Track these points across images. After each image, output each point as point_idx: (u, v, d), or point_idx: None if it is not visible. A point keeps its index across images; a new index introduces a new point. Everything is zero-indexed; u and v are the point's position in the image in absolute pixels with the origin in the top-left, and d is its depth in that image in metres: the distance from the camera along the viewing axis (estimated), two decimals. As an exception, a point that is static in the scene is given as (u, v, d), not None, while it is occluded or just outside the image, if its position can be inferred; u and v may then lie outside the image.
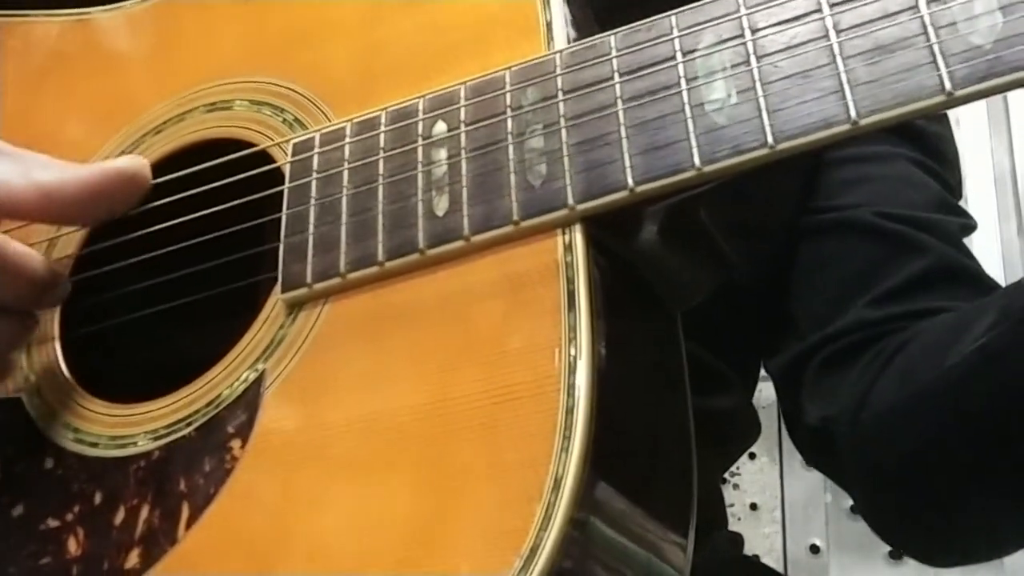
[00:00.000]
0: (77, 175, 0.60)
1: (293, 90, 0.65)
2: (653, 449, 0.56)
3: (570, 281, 0.51)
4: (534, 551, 0.45)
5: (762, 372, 0.90)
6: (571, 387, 0.48)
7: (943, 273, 0.75)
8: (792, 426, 0.82)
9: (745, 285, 0.78)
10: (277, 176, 0.62)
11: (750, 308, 0.82)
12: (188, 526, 0.54)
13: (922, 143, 0.83)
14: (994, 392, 0.60)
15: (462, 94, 0.57)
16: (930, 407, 0.66)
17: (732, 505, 1.62)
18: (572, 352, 0.49)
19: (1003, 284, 1.58)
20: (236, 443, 0.55)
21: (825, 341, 0.76)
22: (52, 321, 0.65)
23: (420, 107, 0.58)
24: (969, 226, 0.82)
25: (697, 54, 0.52)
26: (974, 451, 0.64)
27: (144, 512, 0.56)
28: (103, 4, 0.78)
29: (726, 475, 1.57)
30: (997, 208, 1.61)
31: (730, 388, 0.86)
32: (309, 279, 0.57)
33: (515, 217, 0.53)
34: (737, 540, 0.92)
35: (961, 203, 0.86)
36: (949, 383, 0.64)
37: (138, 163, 0.63)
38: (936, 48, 0.46)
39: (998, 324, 0.60)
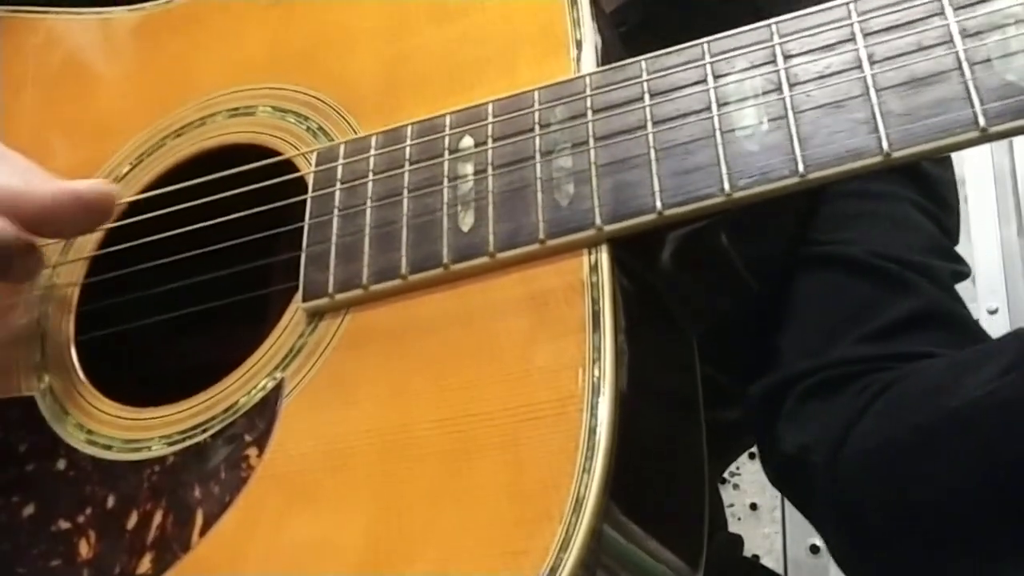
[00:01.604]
0: (36, 190, 0.59)
1: (317, 98, 0.65)
2: (669, 468, 0.56)
3: (595, 301, 0.51)
4: (553, 571, 0.45)
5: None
6: (594, 407, 0.48)
7: (932, 317, 0.75)
8: (766, 455, 0.81)
9: (742, 310, 0.78)
10: (299, 186, 0.62)
11: (744, 330, 0.83)
12: (202, 533, 0.54)
13: (924, 186, 0.83)
14: (1003, 437, 0.60)
15: (490, 110, 0.57)
16: (925, 447, 0.65)
17: (732, 505, 1.61)
18: (596, 373, 0.49)
19: (1003, 284, 1.58)
20: (253, 451, 0.55)
21: (809, 372, 0.75)
22: (68, 320, 0.65)
23: (447, 121, 0.58)
24: (962, 272, 0.82)
25: (729, 79, 0.52)
26: (968, 496, 0.63)
27: (157, 517, 0.55)
28: (125, 4, 0.78)
29: (726, 475, 1.57)
30: (997, 208, 1.61)
31: (733, 401, 0.86)
32: (331, 289, 0.57)
33: (541, 235, 0.53)
34: (737, 542, 0.92)
35: (961, 204, 0.87)
36: (951, 426, 0.63)
37: (99, 190, 0.60)
38: (971, 84, 0.46)
39: (1013, 369, 0.59)
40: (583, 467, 0.47)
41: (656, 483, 0.55)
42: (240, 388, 0.58)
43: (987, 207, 1.61)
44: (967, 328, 0.77)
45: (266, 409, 0.56)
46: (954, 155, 0.88)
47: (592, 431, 0.48)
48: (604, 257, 0.52)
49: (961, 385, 0.63)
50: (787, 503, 1.57)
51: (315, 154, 0.61)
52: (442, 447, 0.51)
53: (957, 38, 0.47)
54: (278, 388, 0.56)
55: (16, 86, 0.79)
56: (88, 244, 0.67)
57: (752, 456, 1.58)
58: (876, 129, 0.48)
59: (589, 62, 0.57)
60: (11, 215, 0.58)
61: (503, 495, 0.48)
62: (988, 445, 0.61)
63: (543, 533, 0.46)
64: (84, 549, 0.56)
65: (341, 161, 0.60)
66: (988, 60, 0.46)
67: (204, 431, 0.57)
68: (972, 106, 0.46)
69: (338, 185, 0.59)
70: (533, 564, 0.46)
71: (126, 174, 0.70)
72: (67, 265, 0.67)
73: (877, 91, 0.48)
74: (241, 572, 0.52)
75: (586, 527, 0.46)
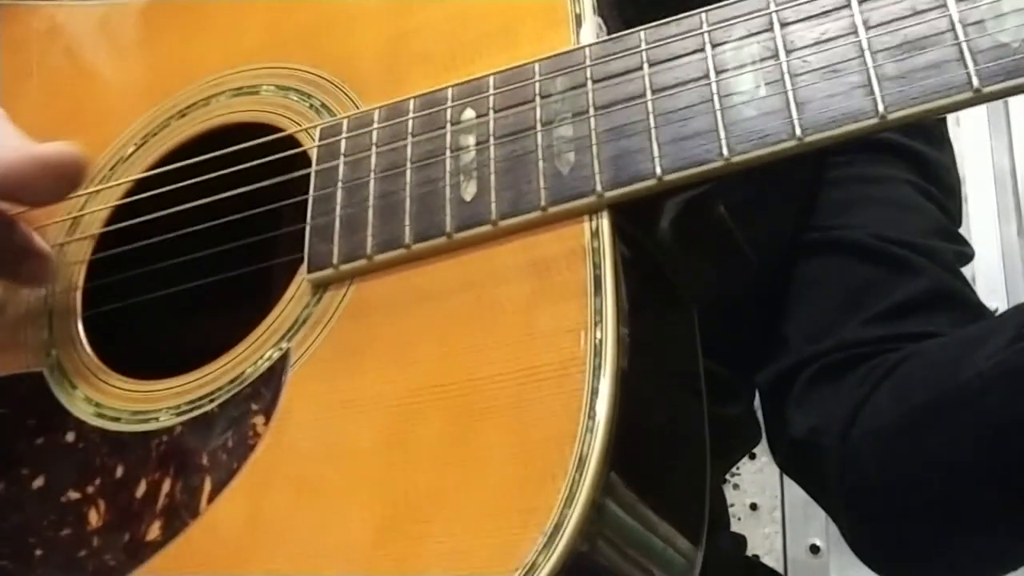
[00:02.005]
0: (5, 156, 0.58)
1: (320, 76, 0.66)
2: (672, 434, 0.56)
3: (596, 266, 0.51)
4: (557, 528, 0.46)
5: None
6: (596, 369, 0.49)
7: (938, 298, 0.76)
8: (775, 441, 0.82)
9: (745, 297, 0.78)
10: (303, 162, 0.62)
11: (750, 319, 0.83)
12: (210, 500, 0.54)
13: (925, 169, 0.84)
14: (1012, 406, 0.61)
15: (491, 82, 0.58)
16: (935, 422, 0.66)
17: (732, 505, 1.61)
18: (598, 335, 0.49)
19: (1003, 285, 1.59)
20: (260, 419, 0.56)
21: (817, 356, 0.76)
22: (75, 297, 0.66)
23: (449, 95, 0.58)
24: (966, 254, 0.83)
25: (727, 47, 0.53)
26: (978, 471, 0.64)
27: (166, 486, 0.56)
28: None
29: (726, 475, 1.57)
30: (997, 208, 1.61)
31: (736, 396, 0.87)
32: (336, 260, 0.57)
33: (543, 203, 0.53)
34: (739, 541, 0.93)
35: (961, 204, 0.87)
36: (960, 399, 0.64)
37: (63, 153, 0.59)
38: (964, 46, 0.47)
39: (1019, 340, 0.60)
40: (586, 427, 0.48)
41: (657, 450, 0.56)
42: (247, 359, 0.58)
43: (987, 207, 1.62)
44: (973, 308, 0.78)
45: (272, 379, 0.57)
46: (954, 155, 0.89)
47: (595, 392, 0.48)
48: (605, 223, 0.52)
49: (968, 360, 0.64)
50: (787, 503, 1.58)
51: (319, 129, 0.62)
52: (448, 412, 0.51)
53: (950, 1, 0.48)
54: (284, 358, 0.57)
55: (19, 73, 0.80)
56: (95, 222, 0.68)
57: (752, 456, 1.59)
58: (872, 92, 0.48)
59: (589, 35, 0.58)
60: None
61: (509, 456, 0.49)
62: (997, 416, 0.62)
63: (548, 490, 0.47)
64: (94, 518, 0.57)
65: (344, 135, 0.60)
66: (981, 22, 0.47)
67: (211, 401, 0.58)
68: (966, 67, 0.47)
69: (342, 158, 0.60)
70: (539, 521, 0.46)
71: (131, 154, 0.71)
72: (74, 243, 0.68)
73: (872, 55, 0.49)
74: (249, 538, 0.53)
75: (590, 484, 0.46)
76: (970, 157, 1.62)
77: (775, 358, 0.80)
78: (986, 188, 1.63)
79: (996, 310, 1.55)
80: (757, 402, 0.94)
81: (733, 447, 0.93)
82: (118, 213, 0.68)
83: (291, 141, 0.64)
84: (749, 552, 1.54)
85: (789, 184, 0.80)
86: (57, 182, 0.59)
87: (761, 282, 0.81)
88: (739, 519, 1.62)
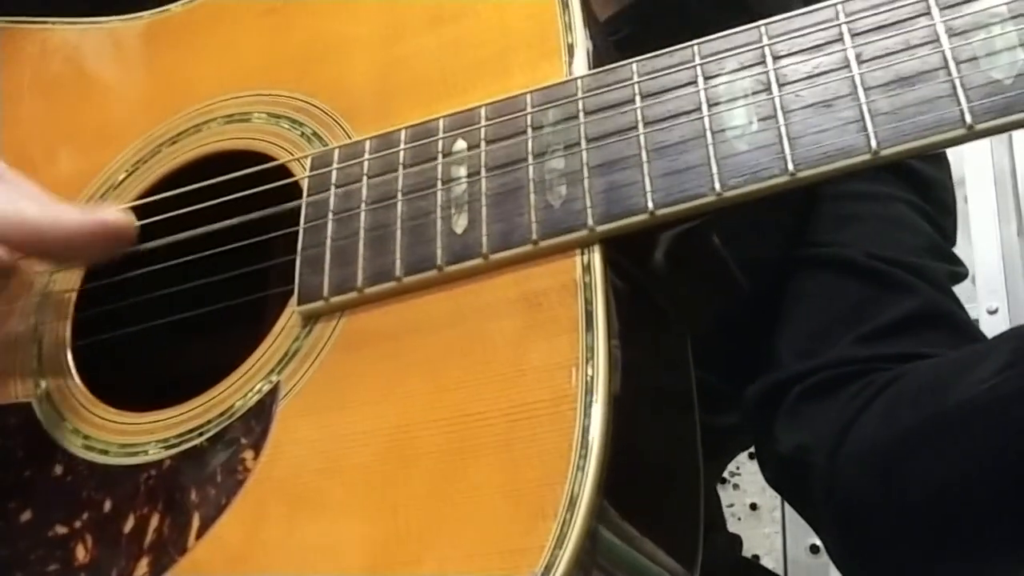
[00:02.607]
0: (59, 218, 0.60)
1: (312, 104, 0.66)
2: (664, 468, 0.56)
3: (588, 301, 0.51)
4: (548, 569, 0.46)
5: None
6: (588, 406, 0.48)
7: (929, 318, 0.76)
8: (764, 456, 0.82)
9: (738, 311, 0.78)
10: (293, 191, 0.62)
11: (742, 332, 0.83)
12: (199, 536, 0.54)
13: (921, 187, 0.83)
14: (1002, 434, 0.60)
15: (483, 113, 0.57)
16: (924, 445, 0.66)
17: (732, 505, 1.61)
18: (589, 372, 0.49)
19: (1003, 284, 1.58)
20: (249, 454, 0.55)
21: (807, 373, 0.76)
22: (64, 327, 0.65)
23: (440, 125, 0.58)
24: (959, 274, 0.83)
25: (719, 80, 0.52)
26: (967, 495, 0.64)
27: (154, 521, 0.56)
28: (122, 13, 0.79)
29: (726, 475, 1.57)
30: (997, 208, 1.61)
31: (729, 405, 0.87)
32: (326, 292, 0.57)
33: (534, 236, 0.53)
34: (735, 542, 0.93)
35: (961, 204, 0.87)
36: (950, 423, 0.63)
37: (125, 220, 0.61)
38: (957, 82, 0.47)
39: (1012, 366, 0.60)
40: (577, 465, 0.47)
41: (651, 483, 0.55)
42: (236, 392, 0.58)
43: (987, 207, 1.62)
44: (964, 329, 0.77)
45: (262, 412, 0.56)
46: (954, 155, 0.89)
47: (586, 430, 0.48)
48: (597, 257, 0.52)
49: (959, 383, 0.63)
50: (787, 503, 1.57)
51: (310, 159, 0.62)
52: (438, 448, 0.51)
53: (943, 37, 0.48)
54: (274, 391, 0.57)
55: (15, 95, 0.80)
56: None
57: (752, 456, 1.58)
58: (865, 128, 0.48)
59: (581, 66, 0.58)
60: (37, 247, 0.59)
61: (499, 494, 0.49)
62: (987, 442, 0.61)
63: (539, 531, 0.46)
64: (81, 553, 0.57)
65: (335, 165, 0.60)
66: (974, 59, 0.47)
67: (200, 435, 0.57)
68: (959, 104, 0.47)
69: (332, 189, 0.59)
70: (529, 562, 0.46)
71: (122, 181, 0.70)
72: (63, 272, 0.67)
73: (865, 90, 0.49)
74: (237, 574, 0.52)
75: (581, 524, 0.46)
76: (970, 157, 1.62)
77: (764, 372, 0.79)
78: (986, 188, 1.63)
79: (996, 310, 1.56)
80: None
81: (728, 450, 0.94)
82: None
83: (282, 170, 0.64)
84: (749, 552, 1.54)
85: (782, 204, 0.80)
86: (115, 244, 0.61)
87: (753, 297, 0.80)
88: (739, 519, 1.61)
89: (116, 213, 0.61)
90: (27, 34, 0.82)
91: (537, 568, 0.46)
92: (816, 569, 1.53)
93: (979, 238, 1.59)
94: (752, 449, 1.09)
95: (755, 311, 0.80)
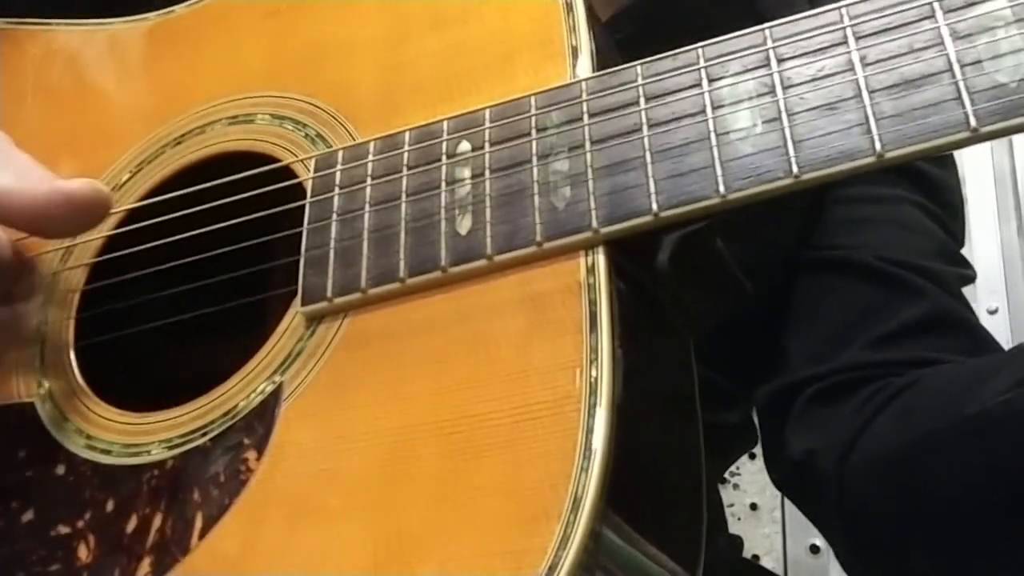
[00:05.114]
0: (28, 189, 0.59)
1: (316, 105, 0.66)
2: (668, 470, 0.56)
3: (592, 303, 0.51)
4: (552, 570, 0.46)
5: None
6: (591, 407, 0.48)
7: (940, 322, 0.76)
8: (772, 459, 0.82)
9: (744, 313, 0.78)
10: (297, 192, 0.62)
11: (749, 333, 0.83)
12: (201, 536, 0.54)
13: (929, 189, 0.83)
14: (1016, 447, 0.60)
15: (487, 115, 0.57)
16: (936, 454, 0.65)
17: (732, 505, 1.61)
18: (593, 373, 0.49)
19: (1003, 284, 1.58)
20: (252, 455, 0.55)
21: (817, 377, 0.76)
22: (67, 327, 0.66)
23: (444, 127, 0.58)
24: (968, 276, 0.82)
25: (723, 83, 0.52)
26: (979, 505, 0.64)
27: (157, 521, 0.55)
28: (126, 15, 0.79)
29: (726, 475, 1.57)
30: (997, 208, 1.61)
31: (735, 405, 0.87)
32: (329, 293, 0.57)
33: (538, 238, 0.53)
34: (736, 543, 0.92)
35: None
36: (963, 433, 0.63)
37: (91, 190, 0.60)
38: (961, 85, 0.47)
39: None
40: (581, 467, 0.47)
41: (654, 485, 0.55)
42: (239, 392, 0.58)
43: (987, 207, 1.62)
44: (975, 333, 0.77)
45: (265, 413, 0.56)
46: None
47: (589, 431, 0.48)
48: (601, 259, 0.52)
49: (974, 394, 0.63)
50: (787, 503, 1.57)
51: (314, 160, 0.62)
52: (441, 449, 0.51)
53: (948, 40, 0.48)
54: (277, 392, 0.57)
55: (17, 97, 0.80)
56: (88, 251, 0.68)
57: (752, 456, 1.58)
58: (869, 130, 0.48)
59: (585, 68, 0.58)
60: (3, 214, 0.59)
61: (502, 495, 0.49)
62: (1000, 455, 0.61)
63: (542, 532, 0.46)
64: (83, 553, 0.57)
65: (339, 167, 0.60)
66: (978, 61, 0.47)
67: (203, 435, 0.57)
68: (963, 107, 0.47)
69: (336, 190, 0.60)
70: (532, 563, 0.46)
71: (126, 182, 0.70)
72: (67, 272, 0.67)
73: (870, 93, 0.49)
74: (240, 573, 0.52)
75: (584, 526, 0.46)
76: (970, 157, 1.62)
77: (774, 376, 0.79)
78: (986, 188, 1.63)
79: (996, 310, 1.56)
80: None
81: (732, 451, 0.93)
82: (112, 242, 0.67)
83: (286, 171, 0.64)
84: (749, 552, 1.54)
85: (787, 206, 0.80)
86: (80, 218, 0.60)
87: (760, 298, 0.80)
88: (739, 519, 1.61)
89: (84, 184, 0.60)
90: (29, 35, 0.82)
91: (540, 569, 0.45)
92: (816, 569, 1.53)
93: (979, 238, 1.59)
94: (752, 449, 1.09)
95: (760, 312, 0.80)
